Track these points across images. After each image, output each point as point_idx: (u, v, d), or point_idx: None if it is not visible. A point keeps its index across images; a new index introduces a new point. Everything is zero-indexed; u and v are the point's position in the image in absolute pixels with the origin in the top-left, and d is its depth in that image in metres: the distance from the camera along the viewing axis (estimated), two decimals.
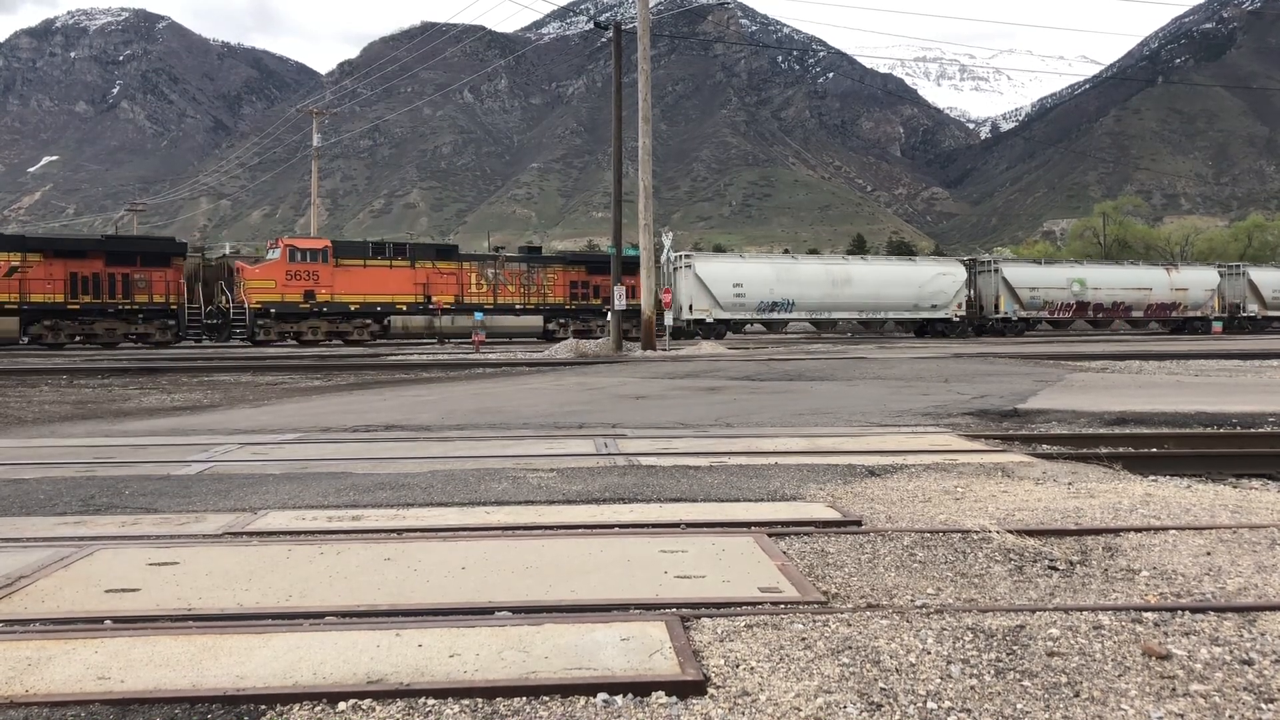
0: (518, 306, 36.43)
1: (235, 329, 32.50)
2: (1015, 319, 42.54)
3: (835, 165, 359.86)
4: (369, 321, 33.77)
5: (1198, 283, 46.64)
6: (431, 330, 34.53)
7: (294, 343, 33.25)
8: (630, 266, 31.05)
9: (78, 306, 30.30)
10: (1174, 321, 46.50)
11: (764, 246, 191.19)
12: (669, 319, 29.58)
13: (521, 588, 3.56)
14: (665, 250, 30.97)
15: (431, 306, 34.31)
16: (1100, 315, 45.50)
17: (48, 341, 30.09)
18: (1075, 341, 34.77)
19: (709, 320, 37.34)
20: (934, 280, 40.86)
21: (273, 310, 32.63)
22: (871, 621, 3.15)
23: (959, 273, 41.65)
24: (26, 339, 30.03)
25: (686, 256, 38.48)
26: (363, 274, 33.59)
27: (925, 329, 41.42)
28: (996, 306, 42.27)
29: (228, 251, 39.70)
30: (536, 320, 36.78)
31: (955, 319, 40.77)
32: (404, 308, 34.19)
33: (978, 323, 42.26)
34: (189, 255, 33.73)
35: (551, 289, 37.38)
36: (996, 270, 42.96)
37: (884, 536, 4.39)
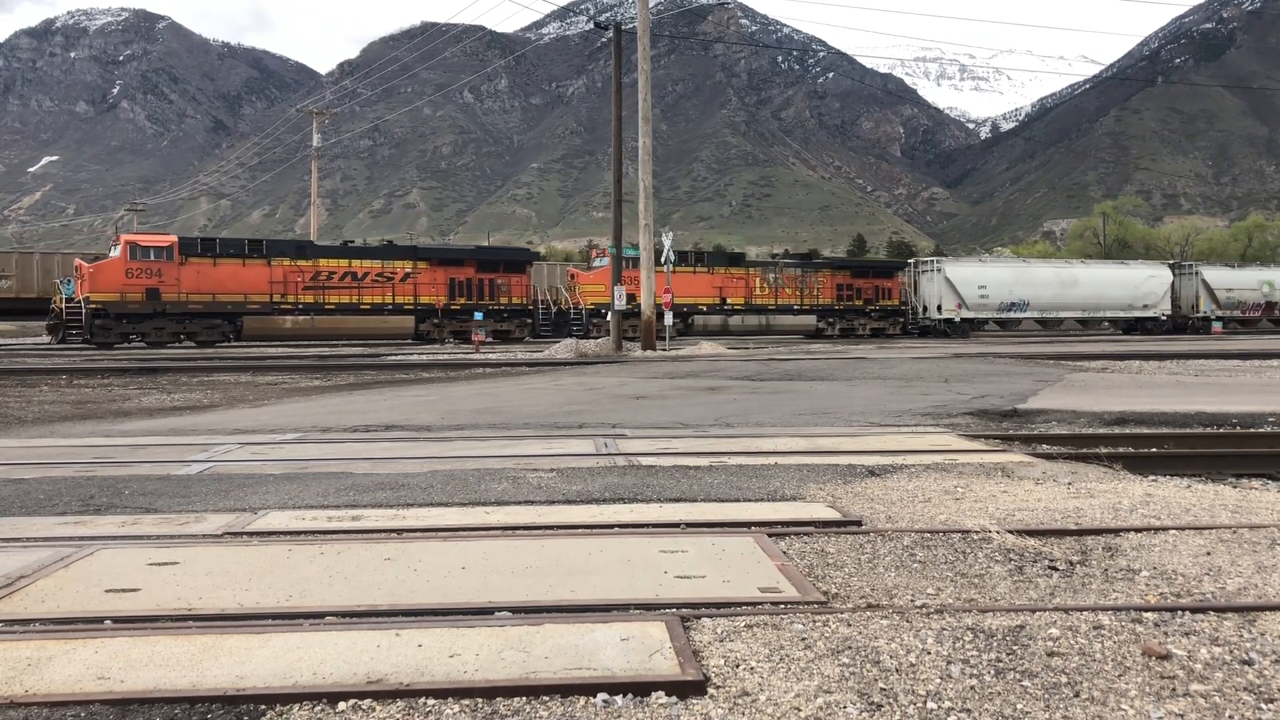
0: (795, 307, 39.75)
1: (573, 327, 35.83)
2: (1213, 317, 45.56)
3: (835, 165, 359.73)
4: (676, 320, 37.03)
5: None
6: (725, 328, 38.02)
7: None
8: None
9: (458, 307, 34.27)
10: None
11: (764, 246, 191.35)
12: (662, 319, 30.05)
13: (521, 588, 3.57)
14: (666, 250, 31.32)
15: (726, 307, 38.14)
16: None
17: (432, 337, 33.80)
18: (1076, 341, 34.81)
19: (956, 320, 40.84)
20: (1146, 282, 44.43)
21: (603, 310, 35.89)
22: (871, 621, 3.15)
23: (1166, 275, 45.30)
24: (413, 337, 33.85)
25: (936, 261, 42.92)
26: (673, 279, 37.09)
27: (1134, 327, 44.86)
28: (1195, 306, 45.59)
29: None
30: (810, 319, 39.95)
31: (1163, 318, 44.42)
32: (704, 308, 37.81)
33: (1180, 321, 45.58)
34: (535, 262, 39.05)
35: (821, 291, 40.38)
36: (1196, 273, 46.41)
37: (884, 536, 4.39)
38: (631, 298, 36.40)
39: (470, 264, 35.16)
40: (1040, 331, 47.32)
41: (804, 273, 40.51)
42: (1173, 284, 45.23)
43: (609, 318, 29.54)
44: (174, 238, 31.34)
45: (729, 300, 38.15)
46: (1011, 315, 43.04)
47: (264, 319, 31.15)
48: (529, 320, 35.77)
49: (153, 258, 29.64)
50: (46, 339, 33.16)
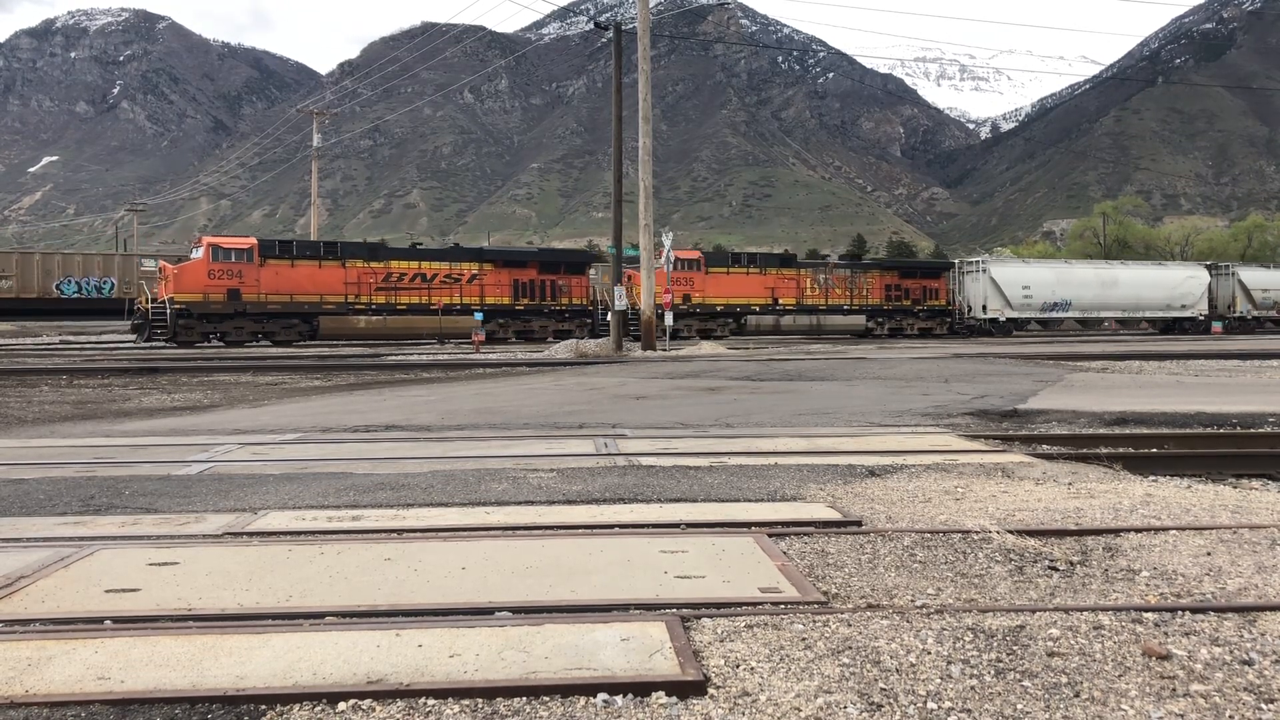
0: (845, 307, 40.32)
1: (630, 326, 36.60)
2: (1249, 317, 46.72)
3: (835, 165, 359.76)
4: (730, 320, 38.33)
5: None
6: (777, 328, 38.92)
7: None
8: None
9: (522, 307, 35.34)
10: None
11: (764, 247, 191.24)
12: (663, 319, 30.11)
13: (521, 588, 3.56)
14: (666, 250, 31.35)
15: (778, 307, 39.08)
16: None
17: (499, 337, 34.58)
18: (1075, 341, 34.83)
19: (1001, 319, 41.59)
20: (1184, 283, 45.49)
21: (660, 311, 36.96)
22: (872, 622, 3.15)
23: (1204, 276, 46.42)
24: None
25: (982, 262, 43.26)
26: (726, 280, 38.31)
27: (1171, 327, 45.71)
28: (1232, 306, 46.63)
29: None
30: (860, 319, 40.48)
31: (1200, 317, 45.42)
32: (757, 309, 38.66)
33: (1216, 320, 46.49)
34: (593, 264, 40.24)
35: (870, 291, 40.99)
36: (1233, 274, 47.48)
37: (884, 537, 4.38)
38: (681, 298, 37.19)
39: (533, 266, 36.05)
40: (1081, 331, 48.15)
41: (853, 273, 41.10)
42: (1210, 285, 45.99)
43: (607, 318, 29.66)
44: (254, 240, 31.91)
45: (780, 300, 38.82)
46: (1054, 315, 43.75)
47: (339, 319, 31.80)
48: (589, 320, 36.42)
49: (234, 259, 30.45)
50: (131, 337, 33.75)
